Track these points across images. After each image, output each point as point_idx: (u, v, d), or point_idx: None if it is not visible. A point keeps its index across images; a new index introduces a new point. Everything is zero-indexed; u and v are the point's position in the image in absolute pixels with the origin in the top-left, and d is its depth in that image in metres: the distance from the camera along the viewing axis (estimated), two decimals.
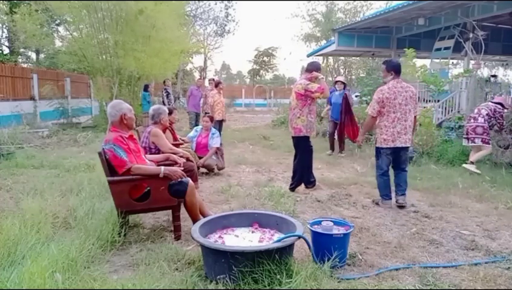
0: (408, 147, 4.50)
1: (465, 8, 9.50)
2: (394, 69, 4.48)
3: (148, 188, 3.33)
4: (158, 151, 4.30)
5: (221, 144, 6.61)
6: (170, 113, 5.38)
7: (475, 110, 6.55)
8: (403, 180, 4.51)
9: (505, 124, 6.65)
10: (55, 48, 14.51)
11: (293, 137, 5.06)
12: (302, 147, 5.03)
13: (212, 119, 6.67)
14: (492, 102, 6.67)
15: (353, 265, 2.88)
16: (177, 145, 5.02)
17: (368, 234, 3.52)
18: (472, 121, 6.41)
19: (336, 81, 8.57)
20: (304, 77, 5.03)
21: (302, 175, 5.08)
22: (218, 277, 2.48)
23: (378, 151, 4.55)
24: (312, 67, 5.07)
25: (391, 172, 4.58)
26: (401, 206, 4.39)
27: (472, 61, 9.75)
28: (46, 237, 3.09)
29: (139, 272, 2.64)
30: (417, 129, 6.98)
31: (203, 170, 6.12)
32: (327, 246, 2.71)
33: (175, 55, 13.00)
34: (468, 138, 6.41)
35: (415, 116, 4.55)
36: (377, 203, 4.57)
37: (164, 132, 4.74)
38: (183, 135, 6.67)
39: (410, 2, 9.02)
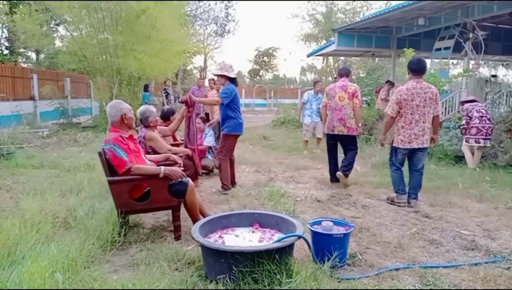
0: (425, 148, 4.47)
1: (465, 8, 9.50)
2: (411, 68, 4.40)
3: (148, 188, 3.34)
4: (155, 153, 4.28)
5: (217, 143, 6.60)
6: (172, 114, 5.37)
7: (483, 111, 6.66)
8: (417, 183, 4.51)
9: None
10: (55, 48, 14.53)
11: (345, 136, 5.38)
12: (354, 143, 5.48)
13: (204, 120, 6.65)
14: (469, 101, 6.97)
15: (353, 265, 2.87)
16: (177, 145, 5.02)
17: (368, 234, 3.52)
18: (488, 122, 6.53)
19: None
20: (348, 80, 5.50)
21: (353, 163, 5.53)
22: (218, 277, 2.47)
23: (394, 149, 4.55)
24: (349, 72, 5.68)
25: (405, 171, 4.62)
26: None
27: (472, 61, 9.75)
28: (46, 237, 3.09)
29: (139, 272, 2.64)
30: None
31: (202, 170, 6.12)
32: (327, 246, 2.71)
33: (176, 55, 13.00)
34: (489, 139, 6.59)
35: (437, 116, 4.47)
36: (392, 201, 4.55)
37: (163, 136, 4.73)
38: (183, 135, 6.66)
39: (410, 2, 9.01)
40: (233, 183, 5.32)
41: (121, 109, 3.36)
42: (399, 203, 4.47)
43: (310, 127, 8.58)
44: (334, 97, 5.36)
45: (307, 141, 8.59)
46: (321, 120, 5.99)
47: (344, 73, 5.54)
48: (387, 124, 4.62)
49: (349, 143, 5.46)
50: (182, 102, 4.75)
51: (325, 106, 5.54)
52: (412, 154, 4.49)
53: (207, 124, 6.66)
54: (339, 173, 5.38)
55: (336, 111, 5.34)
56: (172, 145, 4.86)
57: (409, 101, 4.32)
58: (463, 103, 7.19)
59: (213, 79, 10.40)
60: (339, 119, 5.32)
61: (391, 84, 10.99)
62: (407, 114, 4.36)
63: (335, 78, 10.01)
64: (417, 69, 4.37)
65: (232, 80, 5.07)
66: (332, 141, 5.55)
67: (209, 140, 6.26)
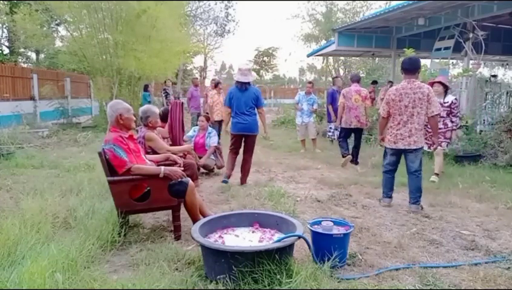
0: (415, 149, 4.30)
1: (465, 8, 9.49)
2: (404, 68, 4.35)
3: (148, 188, 3.33)
4: (155, 153, 4.28)
5: (219, 143, 6.62)
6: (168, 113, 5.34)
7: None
8: (415, 186, 4.32)
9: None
10: (55, 48, 14.53)
11: (358, 128, 6.98)
12: (362, 132, 7.22)
13: (208, 118, 6.66)
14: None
15: (353, 265, 2.87)
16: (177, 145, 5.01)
17: (368, 234, 3.52)
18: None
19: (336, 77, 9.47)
20: (359, 85, 7.09)
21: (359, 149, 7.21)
22: (218, 277, 2.47)
23: (385, 149, 4.59)
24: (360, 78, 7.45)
25: (402, 173, 4.59)
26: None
27: (472, 61, 9.74)
28: (46, 237, 3.08)
29: (139, 272, 2.64)
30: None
31: (202, 169, 6.12)
32: (327, 246, 2.71)
33: (176, 55, 13.00)
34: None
35: (433, 117, 4.27)
36: (379, 201, 4.60)
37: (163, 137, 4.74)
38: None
39: (410, 2, 9.01)
40: (242, 182, 5.49)
41: (117, 109, 3.37)
42: (382, 205, 4.47)
43: (301, 128, 8.67)
44: (351, 99, 6.83)
45: (303, 140, 8.69)
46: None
47: (356, 79, 7.19)
48: (380, 124, 4.70)
49: (359, 133, 7.14)
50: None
51: (342, 106, 6.92)
52: (400, 156, 4.46)
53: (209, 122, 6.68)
54: (354, 166, 6.86)
55: (352, 110, 6.83)
56: (172, 145, 4.86)
57: (397, 102, 4.29)
58: (444, 86, 5.90)
59: (214, 79, 10.43)
60: (355, 116, 6.84)
61: (390, 83, 11.01)
62: (395, 114, 4.34)
63: (334, 77, 10.08)
64: (409, 68, 4.30)
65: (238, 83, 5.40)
66: (348, 132, 7.10)
67: (214, 140, 6.26)
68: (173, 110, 5.08)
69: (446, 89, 5.84)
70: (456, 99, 5.91)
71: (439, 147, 5.60)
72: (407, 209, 4.33)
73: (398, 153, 4.44)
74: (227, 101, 5.52)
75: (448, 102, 5.75)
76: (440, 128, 5.64)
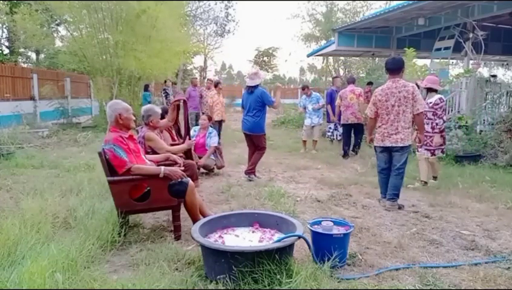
0: (402, 147, 4.33)
1: (465, 8, 9.50)
2: (388, 68, 4.44)
3: (148, 188, 3.33)
4: (155, 153, 4.28)
5: (219, 143, 6.63)
6: (166, 112, 5.33)
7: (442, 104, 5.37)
8: (393, 184, 4.36)
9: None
10: (56, 48, 14.52)
11: (356, 124, 7.86)
12: (362, 128, 7.93)
13: (210, 118, 6.67)
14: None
15: (353, 265, 2.87)
16: (176, 145, 5.01)
17: (368, 234, 3.52)
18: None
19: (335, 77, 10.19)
20: (354, 86, 8.05)
21: (361, 142, 7.99)
22: (218, 277, 2.47)
23: (374, 148, 4.67)
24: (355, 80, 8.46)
25: None
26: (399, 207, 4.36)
27: (471, 61, 9.74)
28: (46, 237, 3.08)
29: (139, 272, 2.64)
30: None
31: (203, 169, 6.13)
32: (327, 246, 2.71)
33: (176, 55, 13.00)
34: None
35: (418, 114, 4.29)
36: (379, 201, 4.61)
37: (161, 131, 4.73)
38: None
39: (410, 2, 9.02)
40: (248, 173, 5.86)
41: (115, 109, 3.37)
42: (382, 205, 4.47)
43: (307, 128, 8.66)
44: (347, 98, 7.83)
45: (305, 141, 8.69)
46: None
47: (351, 81, 8.24)
48: (368, 125, 4.84)
49: (358, 129, 7.99)
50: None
51: (339, 106, 8.09)
52: (389, 154, 4.49)
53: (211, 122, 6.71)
54: (351, 153, 7.87)
55: (349, 108, 7.80)
56: (172, 145, 4.86)
57: (384, 102, 4.37)
58: (430, 90, 5.48)
59: (211, 80, 10.43)
60: (351, 113, 7.79)
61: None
62: (383, 114, 4.42)
63: (334, 77, 10.13)
64: (393, 68, 4.38)
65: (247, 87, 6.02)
66: (347, 128, 7.98)
67: (214, 140, 6.27)
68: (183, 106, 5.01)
69: (430, 89, 5.42)
70: (440, 99, 5.30)
71: (432, 156, 5.38)
72: (407, 209, 4.34)
73: (387, 151, 4.49)
74: (242, 103, 6.25)
75: (431, 102, 5.29)
76: (427, 132, 5.26)
